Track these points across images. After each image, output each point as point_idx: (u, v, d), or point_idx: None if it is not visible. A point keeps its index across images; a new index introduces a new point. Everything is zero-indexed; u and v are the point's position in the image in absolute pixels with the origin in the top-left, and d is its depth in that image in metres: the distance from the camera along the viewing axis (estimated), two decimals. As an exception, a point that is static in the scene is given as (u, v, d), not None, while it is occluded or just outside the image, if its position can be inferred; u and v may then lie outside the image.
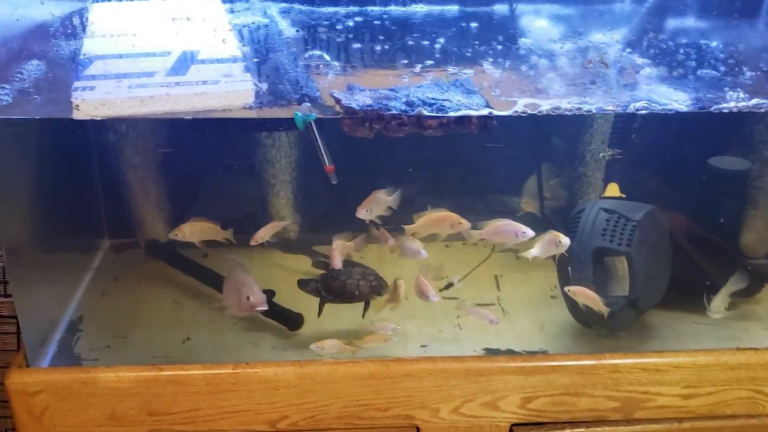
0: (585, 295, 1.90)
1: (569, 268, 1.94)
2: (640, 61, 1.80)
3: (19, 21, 1.73)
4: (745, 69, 1.80)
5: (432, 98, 1.66)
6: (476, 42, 1.82)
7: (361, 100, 1.66)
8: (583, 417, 1.90)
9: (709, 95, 1.70)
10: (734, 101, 1.68)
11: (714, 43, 1.87)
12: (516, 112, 1.61)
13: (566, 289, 1.92)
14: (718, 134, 2.19)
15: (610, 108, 1.68)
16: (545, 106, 1.64)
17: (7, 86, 1.61)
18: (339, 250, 1.88)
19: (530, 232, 1.82)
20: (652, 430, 1.91)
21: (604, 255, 1.90)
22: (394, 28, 1.88)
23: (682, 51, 1.86)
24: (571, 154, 2.23)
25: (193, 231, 1.97)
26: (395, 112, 1.62)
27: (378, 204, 1.85)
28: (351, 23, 1.95)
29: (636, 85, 1.74)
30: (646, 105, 1.67)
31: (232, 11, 2.02)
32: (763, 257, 2.24)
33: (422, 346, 1.99)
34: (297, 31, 1.88)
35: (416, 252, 1.84)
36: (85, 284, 2.27)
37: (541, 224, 2.23)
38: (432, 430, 1.88)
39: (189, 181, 2.37)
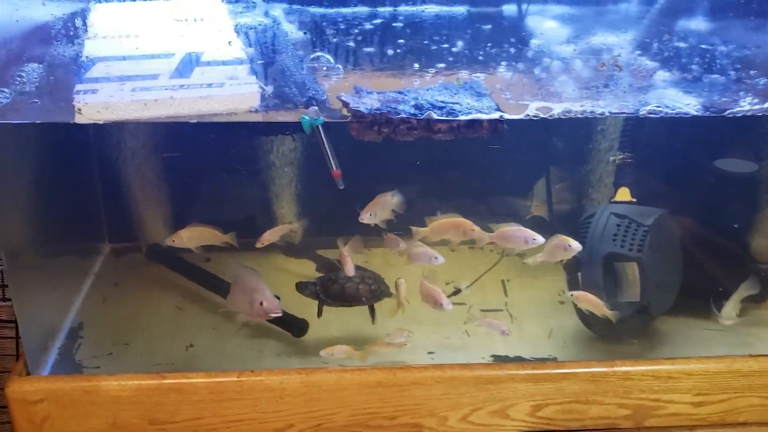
0: (588, 300, 1.87)
1: (579, 273, 1.90)
2: (650, 63, 1.76)
3: (19, 22, 1.69)
4: (756, 71, 1.76)
5: (441, 101, 1.63)
6: (485, 44, 1.78)
7: (369, 103, 1.63)
8: (594, 425, 1.87)
9: (719, 98, 1.67)
10: (748, 104, 1.65)
11: (725, 46, 1.83)
12: (528, 115, 1.58)
13: (569, 293, 1.89)
14: (725, 137, 2.16)
15: (618, 111, 1.64)
16: (557, 109, 1.60)
17: (6, 90, 1.57)
18: (351, 256, 1.85)
19: (540, 239, 1.79)
20: (663, 438, 1.89)
21: (615, 261, 1.87)
22: (401, 29, 1.84)
23: (692, 53, 1.83)
24: (577, 157, 2.20)
25: (192, 237, 1.93)
26: (404, 115, 1.58)
27: (382, 208, 1.82)
28: (357, 24, 1.91)
29: (646, 89, 1.71)
30: (657, 109, 1.63)
31: (235, 12, 1.99)
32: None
33: (429, 353, 1.96)
34: (305, 33, 1.84)
35: (431, 257, 1.81)
36: (86, 289, 2.23)
37: (549, 228, 2.19)
38: (440, 438, 1.85)
39: (192, 183, 2.33)
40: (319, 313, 2.00)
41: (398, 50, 1.78)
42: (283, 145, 2.15)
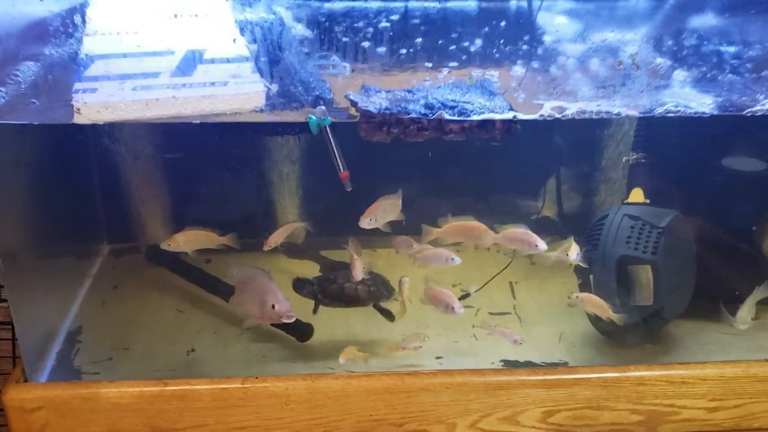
0: (593, 303, 1.84)
1: (591, 276, 1.86)
2: (663, 61, 1.71)
3: (15, 18, 1.63)
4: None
5: (453, 100, 1.57)
6: (496, 40, 1.73)
7: (377, 102, 1.58)
8: (606, 431, 1.82)
9: (739, 97, 1.62)
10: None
11: (743, 43, 1.78)
12: (542, 115, 1.53)
13: (574, 296, 1.85)
14: (734, 135, 2.11)
15: (635, 112, 1.60)
16: (572, 108, 1.55)
17: (2, 89, 1.52)
18: (360, 259, 1.80)
19: (543, 246, 1.76)
20: (677, 444, 1.85)
21: (629, 264, 1.82)
22: (408, 24, 1.78)
23: (708, 50, 1.78)
24: (587, 157, 2.15)
25: (188, 240, 1.87)
26: (415, 115, 1.53)
27: (384, 211, 1.77)
28: (362, 19, 1.85)
29: (661, 88, 1.66)
30: (674, 108, 1.58)
31: (236, 8, 1.93)
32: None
33: (437, 358, 1.91)
34: (310, 30, 1.78)
35: (447, 258, 1.77)
36: (84, 292, 2.18)
37: (558, 229, 2.16)
38: (449, 445, 1.80)
39: (193, 182, 2.28)
40: (315, 311, 1.97)
41: (405, 47, 1.72)
42: (286, 145, 2.10)
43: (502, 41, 1.68)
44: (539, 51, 1.68)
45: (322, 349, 1.95)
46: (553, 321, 2.07)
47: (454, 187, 2.24)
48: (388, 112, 1.53)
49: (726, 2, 1.77)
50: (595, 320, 1.94)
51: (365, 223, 1.75)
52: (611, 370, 1.79)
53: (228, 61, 1.68)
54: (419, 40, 1.71)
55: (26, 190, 1.86)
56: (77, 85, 1.53)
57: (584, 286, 1.89)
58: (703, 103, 1.62)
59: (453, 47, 1.68)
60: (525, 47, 1.68)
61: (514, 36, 1.69)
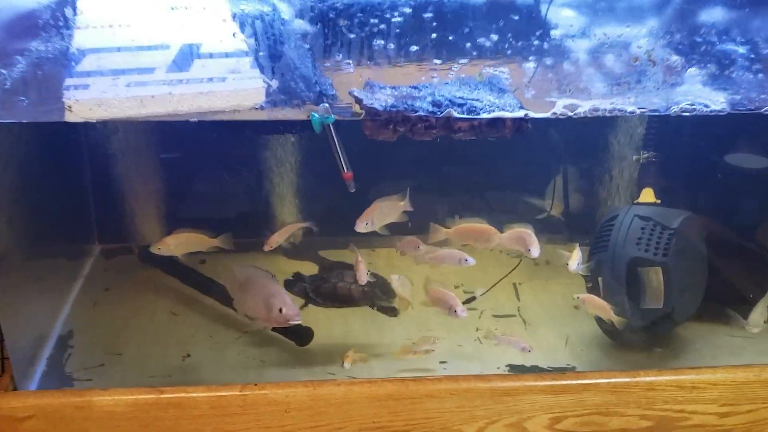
0: (594, 304, 1.80)
1: (600, 279, 1.81)
2: (676, 57, 1.66)
3: (3, 11, 1.55)
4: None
5: (461, 98, 1.51)
6: (505, 35, 1.66)
7: (382, 99, 1.51)
8: (614, 437, 1.78)
9: (757, 95, 1.57)
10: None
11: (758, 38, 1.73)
12: (555, 114, 1.47)
13: (575, 297, 1.80)
14: (743, 133, 2.06)
15: (649, 109, 1.54)
16: (585, 106, 1.49)
17: (-11, 85, 1.45)
18: (364, 262, 1.75)
19: (535, 252, 1.71)
20: (687, 450, 1.81)
21: (639, 265, 1.77)
22: (413, 18, 1.72)
23: (721, 46, 1.72)
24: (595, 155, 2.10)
25: (179, 243, 1.81)
26: (422, 113, 1.47)
27: (381, 214, 1.71)
28: (365, 12, 1.78)
29: (675, 85, 1.60)
30: (689, 107, 1.53)
31: (232, -1, 1.86)
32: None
33: (441, 363, 1.86)
34: (311, 23, 1.71)
35: (460, 259, 1.71)
36: (75, 294, 2.12)
37: (564, 228, 2.11)
38: (454, 452, 1.75)
39: (187, 180, 2.22)
40: (302, 307, 1.93)
41: (411, 41, 1.66)
42: (286, 143, 2.04)
43: (511, 36, 1.62)
44: (550, 46, 1.61)
45: (321, 354, 1.89)
46: (558, 323, 2.03)
47: (458, 186, 2.18)
48: (394, 109, 1.47)
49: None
50: (601, 323, 1.89)
51: (361, 227, 1.69)
52: (621, 375, 1.75)
53: (226, 55, 1.62)
54: (425, 34, 1.64)
55: (13, 188, 1.79)
56: (68, 81, 1.47)
57: (593, 290, 1.84)
58: (717, 101, 1.57)
59: (461, 42, 1.62)
60: (535, 42, 1.62)
61: (524, 31, 1.63)
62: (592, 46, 1.61)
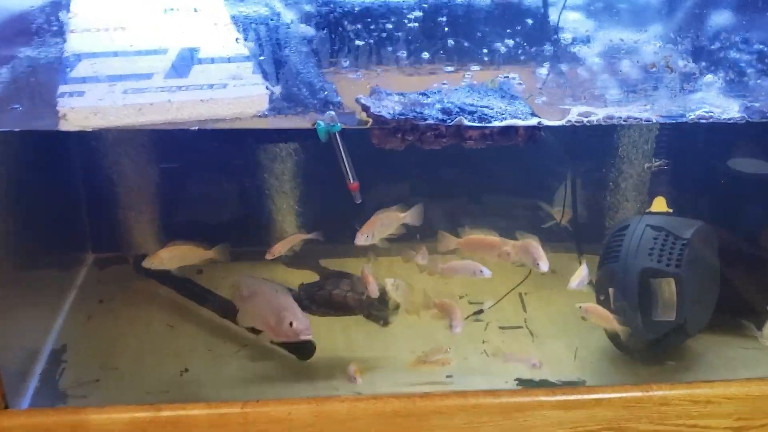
0: (597, 314, 1.75)
1: (610, 290, 1.76)
2: (691, 64, 1.61)
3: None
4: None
5: (471, 105, 1.46)
6: (517, 40, 1.61)
7: (390, 106, 1.46)
8: (626, 453, 1.73)
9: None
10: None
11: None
12: (569, 121, 1.42)
13: (578, 306, 1.75)
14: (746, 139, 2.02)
15: (666, 117, 1.49)
16: (599, 114, 1.44)
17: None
18: (373, 274, 1.70)
19: (544, 267, 1.66)
20: (701, 466, 1.76)
21: (651, 276, 1.72)
22: (421, 23, 1.66)
23: (731, 51, 1.68)
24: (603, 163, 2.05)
25: (173, 257, 1.76)
26: (432, 121, 1.41)
27: (382, 227, 1.66)
28: (371, 16, 1.72)
29: (687, 92, 1.55)
30: (706, 114, 1.48)
31: (230, 2, 1.80)
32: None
33: (448, 377, 1.81)
34: (313, 27, 1.66)
35: (475, 271, 1.67)
36: (68, 306, 2.05)
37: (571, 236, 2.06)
38: (462, 471, 1.70)
39: (185, 187, 2.16)
40: None
41: (419, 47, 1.60)
42: (286, 152, 1.99)
43: (522, 41, 1.57)
44: (561, 52, 1.57)
45: (323, 367, 1.83)
46: (566, 335, 1.98)
47: (464, 193, 2.13)
48: (402, 117, 1.41)
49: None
50: (611, 335, 1.84)
51: (362, 239, 1.64)
52: (633, 389, 1.70)
53: (226, 60, 1.56)
54: (432, 39, 1.59)
55: (3, 195, 1.73)
56: (63, 88, 1.41)
57: (605, 302, 1.79)
58: (731, 109, 1.52)
59: (470, 47, 1.57)
60: (547, 48, 1.57)
61: (536, 36, 1.58)
62: (605, 52, 1.56)
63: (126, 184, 2.12)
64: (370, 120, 1.43)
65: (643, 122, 1.45)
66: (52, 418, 1.56)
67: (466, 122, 1.42)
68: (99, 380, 1.77)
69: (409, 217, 1.70)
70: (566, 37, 1.62)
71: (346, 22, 1.66)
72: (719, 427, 1.72)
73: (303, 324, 1.56)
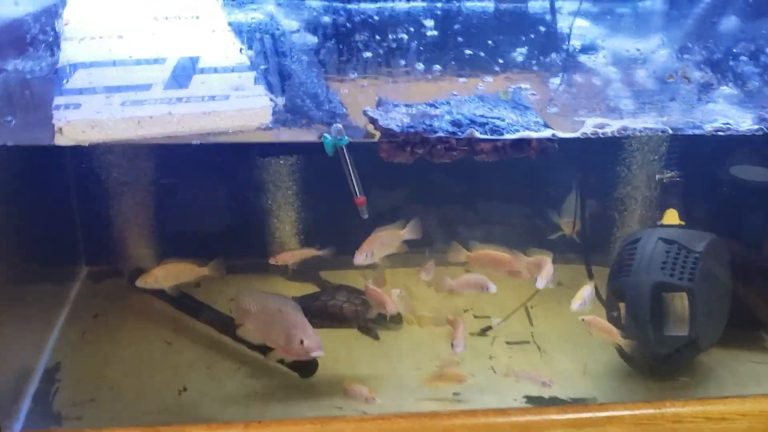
0: (600, 327, 1.71)
1: (622, 305, 1.72)
2: (707, 75, 1.56)
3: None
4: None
5: (482, 116, 1.41)
6: (527, 48, 1.56)
7: (398, 118, 1.41)
8: (639, 472, 1.69)
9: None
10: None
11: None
12: (585, 134, 1.37)
13: (580, 318, 1.71)
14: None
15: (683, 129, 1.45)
16: (614, 126, 1.40)
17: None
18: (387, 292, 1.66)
19: (540, 284, 1.64)
20: (715, 485, 1.72)
21: (664, 291, 1.68)
22: (428, 31, 1.61)
23: (741, 58, 1.64)
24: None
25: (168, 275, 1.72)
26: (443, 134, 1.37)
27: (381, 246, 1.62)
28: (365, 19, 1.67)
29: (705, 102, 1.51)
30: (723, 126, 1.44)
31: (229, 9, 1.74)
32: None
33: (455, 395, 1.75)
34: (317, 35, 1.60)
35: (483, 286, 1.64)
36: (61, 322, 1.98)
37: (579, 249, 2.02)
38: (470, 493, 1.65)
39: (182, 197, 2.10)
40: None
41: (426, 56, 1.55)
42: (286, 164, 1.95)
43: (534, 50, 1.53)
44: (574, 61, 1.52)
45: (326, 385, 1.78)
46: (574, 349, 1.93)
47: (470, 203, 2.09)
48: (412, 130, 1.36)
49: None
50: (621, 350, 1.80)
51: (361, 259, 1.59)
52: (646, 406, 1.65)
53: (226, 70, 1.50)
54: (441, 48, 1.54)
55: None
56: (58, 100, 1.34)
57: (616, 318, 1.75)
58: (747, 120, 1.48)
59: (480, 56, 1.52)
60: (559, 56, 1.53)
61: (546, 45, 1.53)
62: (618, 61, 1.52)
63: (120, 193, 2.06)
64: (378, 133, 1.38)
65: (659, 134, 1.41)
66: (47, 442, 1.51)
67: (478, 135, 1.37)
68: (94, 400, 1.71)
69: (408, 232, 1.66)
70: (576, 44, 1.58)
71: (351, 31, 1.61)
72: (733, 445, 1.68)
73: (314, 341, 1.51)
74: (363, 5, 1.65)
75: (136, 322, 1.98)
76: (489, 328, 1.95)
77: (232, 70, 1.51)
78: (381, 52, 1.53)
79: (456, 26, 1.59)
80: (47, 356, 1.85)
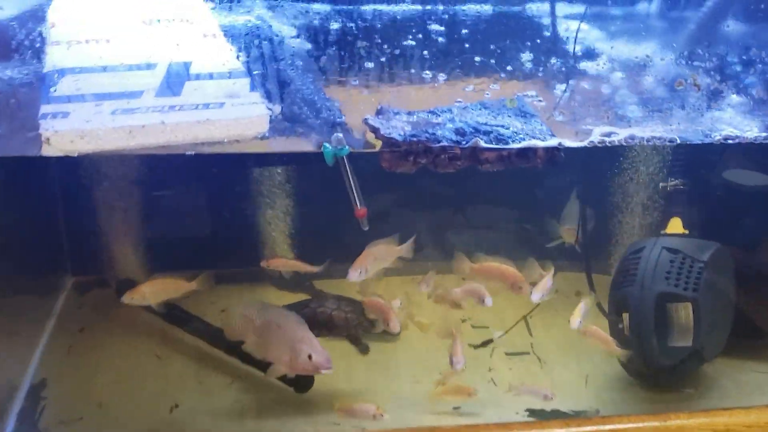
0: (597, 336, 1.69)
1: (625, 315, 1.68)
2: (717, 83, 1.53)
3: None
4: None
5: (486, 124, 1.37)
6: (531, 54, 1.52)
7: (399, 127, 1.36)
8: (643, 486, 1.65)
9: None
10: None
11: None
12: (592, 142, 1.33)
13: (579, 330, 1.67)
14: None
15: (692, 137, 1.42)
16: (621, 134, 1.36)
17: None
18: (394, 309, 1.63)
19: (537, 297, 1.65)
20: (719, 498, 1.69)
21: (668, 301, 1.64)
22: (428, 36, 1.56)
23: (745, 65, 1.60)
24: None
25: (155, 291, 1.69)
26: (446, 143, 1.32)
27: (375, 261, 1.58)
28: (360, 23, 1.61)
29: (704, 110, 1.48)
30: (732, 134, 1.41)
31: (220, 11, 1.68)
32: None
33: (455, 408, 1.71)
34: (313, 41, 1.55)
35: (481, 298, 1.63)
36: (47, 337, 1.91)
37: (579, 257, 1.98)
38: None
39: (169, 204, 2.04)
40: None
41: (428, 62, 1.50)
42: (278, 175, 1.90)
43: (537, 55, 1.48)
44: (579, 67, 1.48)
45: (322, 400, 1.73)
46: (575, 360, 1.89)
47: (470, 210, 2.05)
48: (414, 139, 1.31)
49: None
50: (624, 361, 1.77)
51: (355, 275, 1.55)
52: (650, 418, 1.63)
53: (221, 76, 1.45)
54: (443, 54, 1.49)
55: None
56: (45, 108, 1.28)
57: (617, 331, 1.71)
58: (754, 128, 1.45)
59: (484, 62, 1.47)
60: (563, 63, 1.49)
61: (552, 50, 1.49)
62: (625, 68, 1.48)
63: (107, 201, 2.00)
64: (379, 142, 1.33)
65: (667, 143, 1.37)
66: (33, 465, 1.44)
67: (482, 144, 1.32)
68: (83, 418, 1.65)
69: (405, 250, 1.63)
70: (578, 50, 1.54)
71: (348, 37, 1.56)
72: (738, 457, 1.65)
73: (322, 357, 1.45)
74: (363, 7, 1.61)
75: (124, 335, 1.92)
76: (490, 341, 1.91)
77: (228, 77, 1.45)
78: (382, 59, 1.48)
79: (462, 31, 1.55)
80: (32, 372, 1.78)
